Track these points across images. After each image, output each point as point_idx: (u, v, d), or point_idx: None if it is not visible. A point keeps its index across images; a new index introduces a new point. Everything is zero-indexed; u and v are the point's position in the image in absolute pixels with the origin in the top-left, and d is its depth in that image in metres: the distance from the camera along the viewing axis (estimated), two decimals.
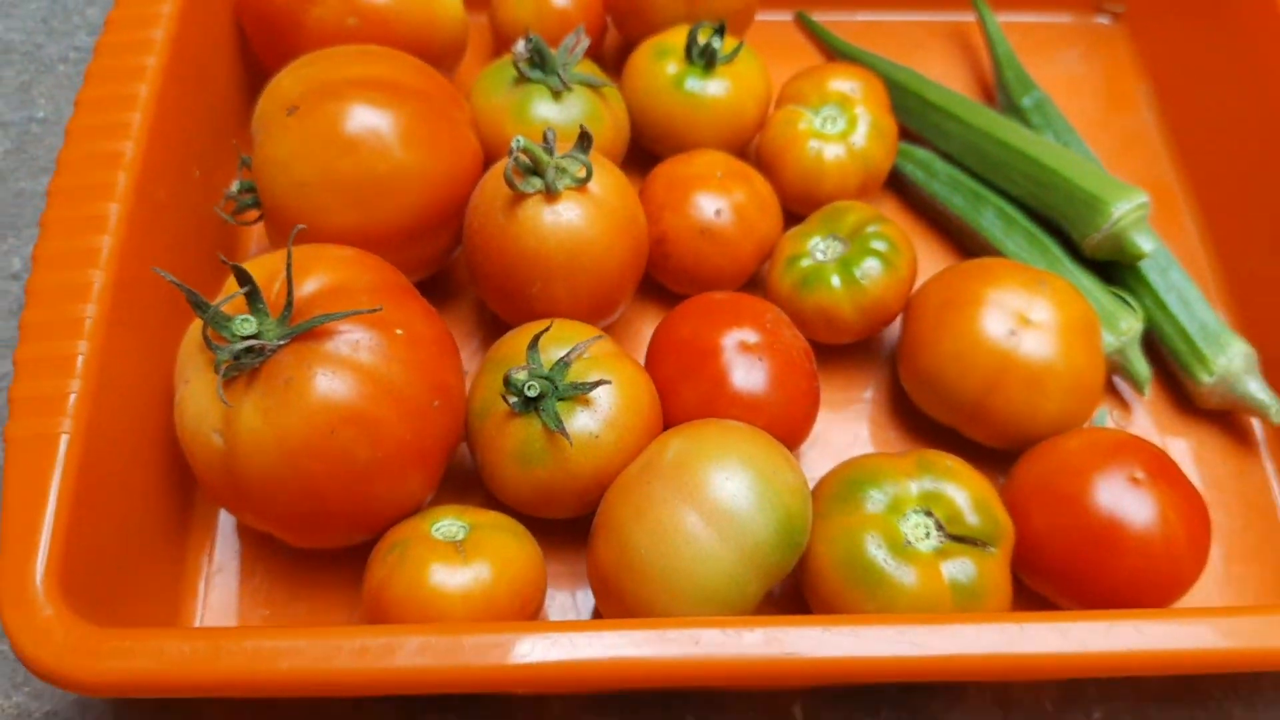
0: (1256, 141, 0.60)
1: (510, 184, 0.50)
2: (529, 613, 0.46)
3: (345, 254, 0.48)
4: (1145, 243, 0.56)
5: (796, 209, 0.61)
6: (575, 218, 0.51)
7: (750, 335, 0.51)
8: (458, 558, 0.45)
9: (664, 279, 0.59)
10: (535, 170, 0.51)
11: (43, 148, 0.67)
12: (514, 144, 0.50)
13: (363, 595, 0.46)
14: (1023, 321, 0.51)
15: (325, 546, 0.49)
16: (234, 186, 0.54)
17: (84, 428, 0.43)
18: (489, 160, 0.57)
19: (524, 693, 0.48)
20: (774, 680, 0.40)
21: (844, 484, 0.48)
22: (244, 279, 0.44)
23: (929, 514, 0.46)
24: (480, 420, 0.49)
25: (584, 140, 0.52)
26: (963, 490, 0.47)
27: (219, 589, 0.51)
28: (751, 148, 0.64)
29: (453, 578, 0.44)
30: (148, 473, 0.48)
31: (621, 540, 0.44)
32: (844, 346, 0.58)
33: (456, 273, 0.61)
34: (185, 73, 0.55)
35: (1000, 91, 0.67)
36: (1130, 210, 0.55)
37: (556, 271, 0.51)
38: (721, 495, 0.43)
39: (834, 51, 0.71)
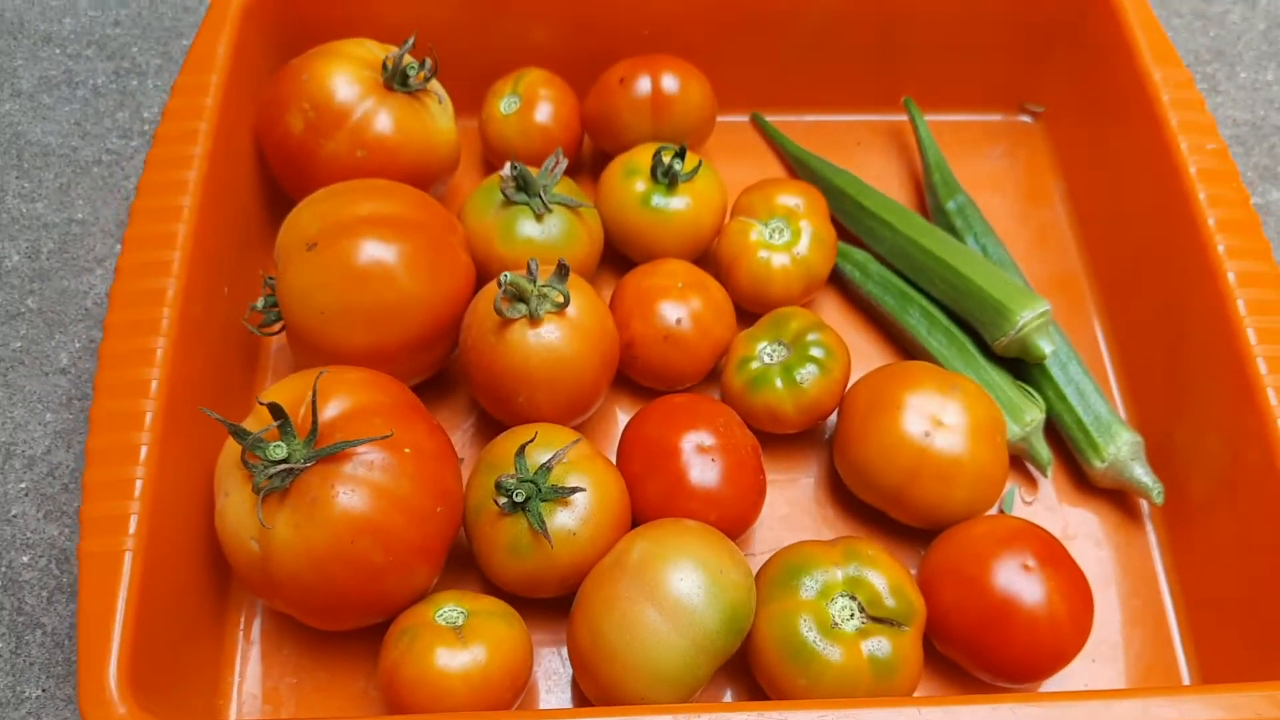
0: (1153, 238, 0.68)
1: (499, 312, 0.59)
2: (519, 686, 0.55)
3: (361, 377, 0.57)
4: (1046, 345, 0.65)
5: (749, 308, 0.69)
6: (556, 339, 0.59)
7: (706, 438, 0.60)
8: (458, 642, 0.54)
9: (632, 375, 0.67)
10: (521, 298, 0.59)
11: (83, 248, 0.75)
12: (502, 279, 0.58)
13: (378, 673, 0.55)
14: (936, 423, 0.60)
15: (344, 629, 0.58)
16: (259, 303, 0.63)
17: (144, 542, 0.51)
18: (481, 276, 0.65)
19: None
20: None
21: (783, 571, 0.57)
22: (277, 413, 0.52)
23: (853, 598, 0.55)
24: (476, 516, 0.58)
25: (562, 271, 0.60)
26: (882, 576, 0.56)
27: (253, 660, 0.60)
28: (710, 251, 0.72)
29: (454, 660, 0.53)
30: (194, 569, 0.57)
31: (594, 629, 0.53)
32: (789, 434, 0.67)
33: (453, 368, 0.70)
34: (216, 202, 0.63)
35: (929, 193, 0.76)
36: (1033, 318, 0.64)
37: (539, 384, 0.60)
38: (677, 593, 0.52)
39: (783, 151, 0.79)
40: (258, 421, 0.54)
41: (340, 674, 0.59)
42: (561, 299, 0.60)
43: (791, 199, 0.69)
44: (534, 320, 0.59)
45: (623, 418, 0.69)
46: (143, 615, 0.50)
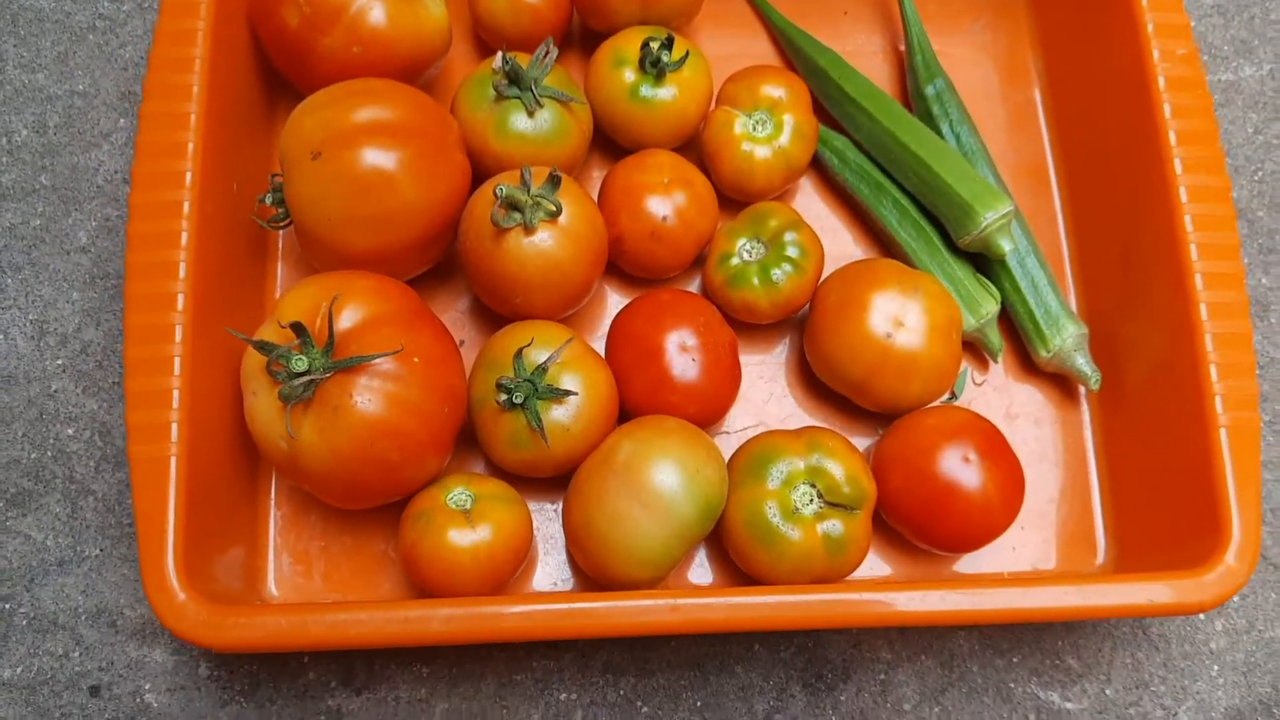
0: (1119, 136, 0.71)
1: (495, 222, 0.63)
2: (519, 558, 0.63)
3: (370, 284, 0.62)
4: (1006, 244, 0.70)
5: (732, 196, 0.73)
6: (549, 245, 0.64)
7: (688, 337, 0.66)
8: (467, 524, 0.61)
9: (621, 265, 0.72)
10: (515, 207, 0.63)
11: (87, 122, 0.77)
12: (497, 191, 0.62)
13: (399, 547, 0.63)
14: (898, 324, 0.65)
15: (365, 507, 0.66)
16: (268, 198, 0.66)
17: (185, 444, 0.58)
18: (475, 170, 0.68)
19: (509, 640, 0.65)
20: (695, 629, 0.58)
21: (752, 460, 0.64)
22: (298, 329, 0.57)
23: (813, 485, 0.63)
24: (479, 409, 0.65)
25: (554, 180, 0.64)
26: (840, 465, 0.63)
27: (284, 529, 0.68)
28: (695, 138, 0.75)
29: (464, 538, 0.61)
30: (227, 459, 0.64)
31: (586, 518, 0.61)
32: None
33: (453, 259, 0.74)
34: (220, 100, 0.65)
35: (910, 75, 0.78)
36: (996, 219, 0.69)
37: (534, 287, 0.65)
38: (659, 490, 0.59)
39: (770, 23, 0.80)
40: (277, 327, 0.60)
41: (362, 536, 0.68)
42: (554, 208, 0.64)
43: (775, 89, 0.72)
44: (529, 228, 0.63)
45: (612, 305, 0.74)
46: (190, 506, 0.58)
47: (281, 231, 0.74)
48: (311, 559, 0.67)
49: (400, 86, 0.66)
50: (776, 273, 0.68)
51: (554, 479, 0.67)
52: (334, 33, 0.67)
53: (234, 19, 0.68)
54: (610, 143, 0.75)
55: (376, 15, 0.67)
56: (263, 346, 0.57)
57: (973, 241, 0.70)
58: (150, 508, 0.56)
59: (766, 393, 0.73)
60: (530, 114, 0.68)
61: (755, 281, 0.68)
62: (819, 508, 0.63)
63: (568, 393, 0.62)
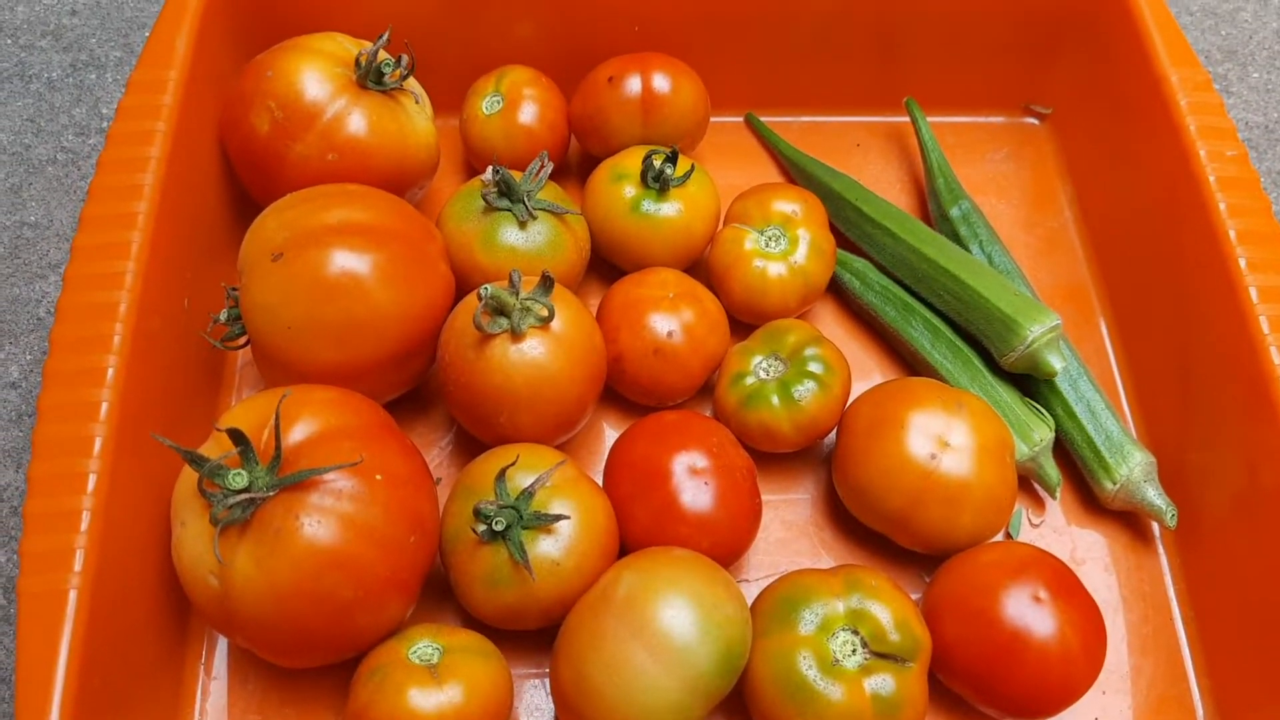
0: (1168, 247, 0.65)
1: (479, 327, 0.55)
2: None
3: (330, 397, 0.53)
4: (1056, 361, 0.61)
5: (743, 319, 0.66)
6: (539, 355, 0.56)
7: (699, 459, 0.57)
8: (432, 681, 0.50)
9: (621, 390, 0.64)
10: (502, 311, 0.56)
11: (35, 253, 0.71)
12: (482, 291, 0.55)
13: (347, 714, 0.51)
14: (942, 444, 0.56)
15: (311, 667, 0.54)
16: (223, 315, 0.59)
17: (91, 579, 0.47)
18: (460, 286, 0.61)
19: None
20: None
21: (780, 604, 0.53)
22: (238, 439, 0.48)
23: (855, 632, 0.52)
24: (453, 544, 0.55)
25: (546, 283, 0.57)
26: (885, 608, 0.52)
27: (215, 695, 0.56)
28: (702, 260, 0.69)
29: (428, 700, 0.49)
30: (148, 603, 0.53)
31: (579, 669, 0.50)
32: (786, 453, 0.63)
33: (430, 382, 0.66)
34: (175, 208, 0.59)
35: (931, 199, 0.72)
36: (1043, 332, 0.61)
37: (522, 402, 0.56)
38: (667, 630, 0.49)
39: (779, 154, 0.76)
40: (218, 447, 0.51)
41: (309, 711, 0.56)
42: (546, 312, 0.56)
43: (788, 205, 0.66)
44: (516, 335, 0.56)
45: (610, 435, 0.65)
46: (90, 656, 0.47)
47: (240, 354, 0.66)
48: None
49: (377, 191, 0.60)
50: (799, 390, 0.59)
51: (541, 636, 0.56)
52: (307, 139, 0.61)
53: (200, 128, 0.63)
54: (609, 269, 0.69)
55: (356, 121, 0.62)
56: (193, 459, 0.48)
57: (1018, 360, 0.62)
58: (36, 653, 0.45)
59: (790, 535, 0.62)
60: (522, 225, 0.62)
61: (775, 401, 0.60)
62: (864, 659, 0.51)
63: (559, 517, 0.53)
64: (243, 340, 0.59)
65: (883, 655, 0.51)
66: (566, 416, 0.59)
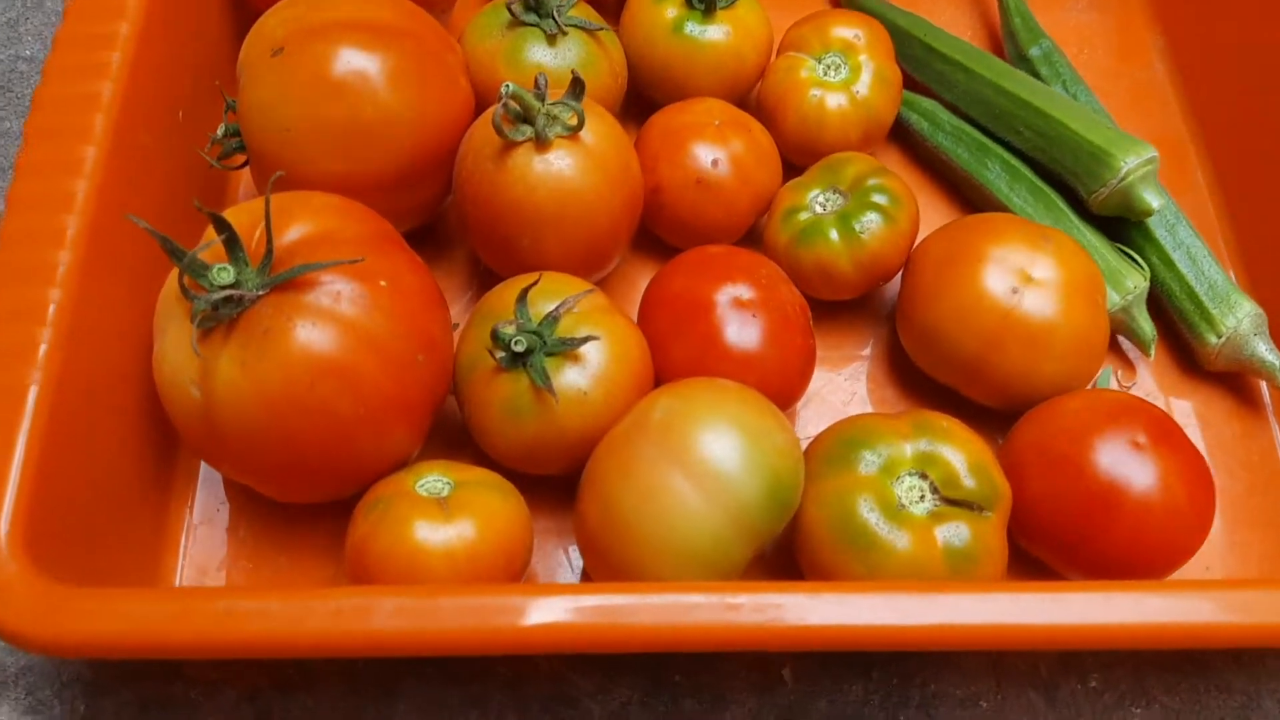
0: (1270, 96, 0.58)
1: (499, 131, 0.49)
2: (514, 571, 0.45)
3: (330, 202, 0.47)
4: (1153, 199, 0.54)
5: (796, 160, 0.59)
6: (566, 167, 0.49)
7: (744, 291, 0.50)
8: (441, 514, 0.44)
9: (659, 231, 0.57)
10: (526, 118, 0.49)
11: (29, 87, 0.65)
12: (503, 89, 0.48)
13: (345, 551, 0.45)
14: (1025, 279, 0.49)
15: (308, 501, 0.48)
16: (219, 130, 0.53)
17: (55, 379, 0.42)
18: (481, 107, 0.55)
19: (504, 654, 0.47)
20: (760, 645, 0.39)
21: (838, 444, 0.47)
22: (222, 226, 0.42)
23: (924, 476, 0.45)
24: (468, 374, 0.48)
25: (576, 87, 0.50)
26: (959, 452, 0.45)
27: (201, 543, 0.50)
28: (751, 97, 0.62)
29: (436, 534, 0.43)
30: (126, 424, 0.47)
31: (607, 500, 0.43)
32: (843, 302, 0.56)
33: (449, 223, 0.60)
34: (168, 10, 0.53)
35: (1008, 40, 0.65)
36: (1138, 165, 0.54)
37: (547, 222, 0.50)
38: (709, 456, 0.42)
39: None
40: (207, 253, 0.45)
41: (305, 557, 0.50)
42: (575, 120, 0.50)
43: (850, 30, 0.59)
44: (541, 144, 0.49)
45: (639, 281, 0.58)
46: (50, 466, 0.41)
47: (243, 182, 0.60)
48: (233, 566, 0.49)
49: None
50: (861, 223, 0.52)
51: (563, 487, 0.50)
52: None
53: None
54: (647, 104, 0.62)
55: None
56: (172, 249, 0.42)
57: (1109, 197, 0.55)
58: None
59: (847, 393, 0.56)
60: (551, 42, 0.56)
61: (834, 235, 0.53)
62: (934, 505, 0.45)
63: (587, 339, 0.46)
64: (242, 160, 0.53)
65: (955, 502, 0.45)
66: (597, 245, 0.52)
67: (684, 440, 0.43)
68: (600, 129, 0.51)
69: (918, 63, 0.63)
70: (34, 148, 0.47)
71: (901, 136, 0.63)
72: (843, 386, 0.56)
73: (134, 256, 0.48)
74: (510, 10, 0.55)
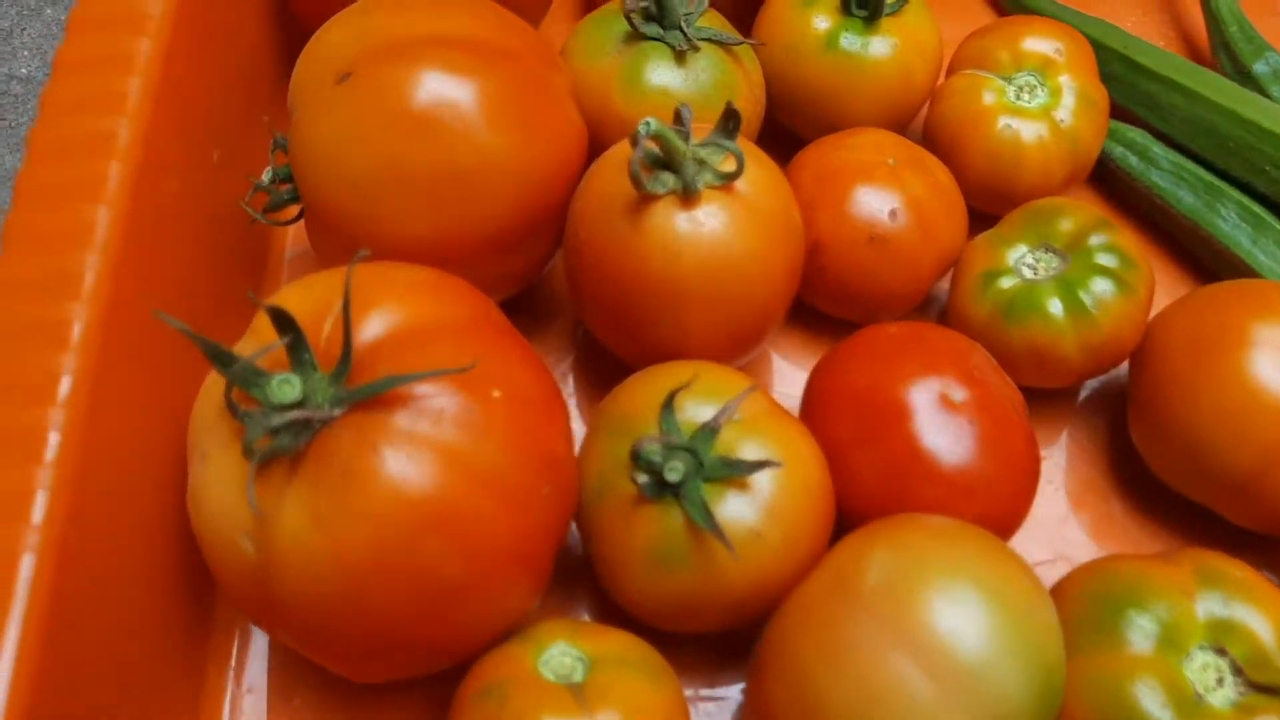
0: None
1: (637, 183, 0.37)
2: None
3: (420, 278, 0.36)
4: None
5: (981, 206, 0.48)
6: (719, 226, 0.38)
7: (952, 387, 0.38)
8: (577, 708, 0.32)
9: (815, 298, 0.46)
10: (668, 164, 0.38)
11: (26, 113, 0.54)
12: (642, 129, 0.37)
13: None
14: None
15: (392, 679, 0.37)
16: (265, 175, 0.41)
17: (58, 537, 0.30)
18: (594, 143, 0.43)
19: None
20: None
21: (1094, 603, 0.35)
22: (284, 325, 0.31)
23: (1221, 652, 0.34)
24: (596, 501, 0.37)
25: (730, 121, 0.38)
26: (1263, 616, 0.34)
27: (249, 715, 0.39)
28: (914, 125, 0.51)
29: None
30: (152, 575, 0.36)
31: (806, 692, 0.32)
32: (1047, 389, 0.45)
33: (546, 281, 0.49)
34: (201, 26, 0.42)
35: (1222, 54, 0.53)
36: None
37: (693, 298, 0.39)
38: (955, 641, 0.30)
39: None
40: (257, 344, 0.33)
41: None
42: (734, 165, 0.38)
43: (1048, 44, 0.47)
44: (689, 197, 0.38)
45: (784, 366, 0.47)
46: (56, 653, 0.30)
47: (290, 237, 0.49)
48: None
49: (490, 2, 0.43)
50: (1090, 293, 0.41)
51: (718, 644, 0.38)
52: None
53: None
54: (785, 136, 0.50)
55: None
56: (217, 355, 0.31)
57: None
58: None
59: (1059, 509, 0.44)
60: (679, 60, 0.44)
61: (1054, 309, 0.41)
62: (1239, 693, 0.33)
63: (763, 464, 0.35)
64: (295, 211, 0.42)
65: (1268, 689, 0.33)
66: (751, 323, 0.41)
67: (917, 616, 0.31)
68: (759, 175, 0.39)
69: (1118, 83, 0.51)
70: (28, 207, 0.35)
71: (1100, 175, 0.51)
72: (1054, 501, 0.44)
73: (160, 349, 0.36)
74: (628, 19, 0.44)
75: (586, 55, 0.45)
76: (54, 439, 0.31)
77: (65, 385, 0.32)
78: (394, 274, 0.36)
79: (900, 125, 0.49)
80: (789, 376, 0.46)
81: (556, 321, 0.48)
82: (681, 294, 0.38)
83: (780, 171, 0.41)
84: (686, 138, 0.38)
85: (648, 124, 0.37)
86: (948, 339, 0.41)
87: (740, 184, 0.39)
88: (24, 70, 0.55)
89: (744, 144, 0.40)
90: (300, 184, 0.40)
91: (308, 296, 0.34)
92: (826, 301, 0.46)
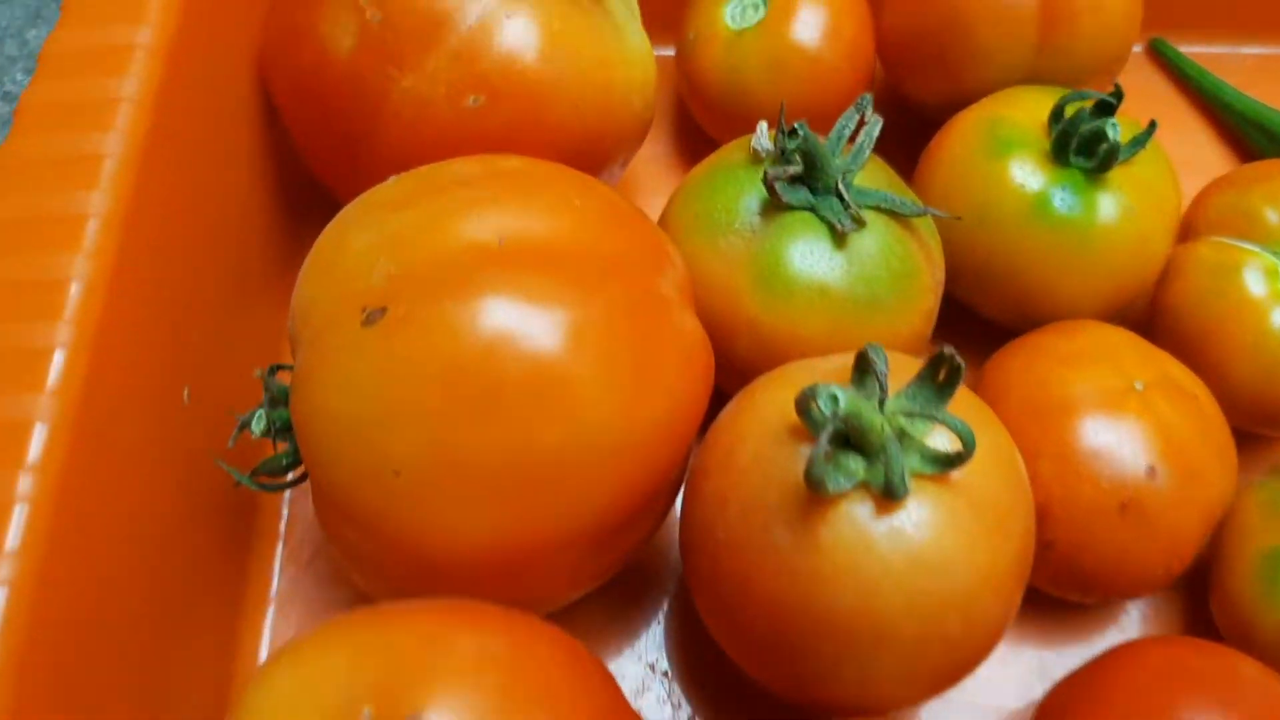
0: None
1: (816, 483, 0.24)
2: None
3: (495, 651, 0.23)
4: None
5: (1244, 423, 0.35)
6: (935, 537, 0.25)
7: None
8: None
9: (1035, 579, 0.33)
10: (858, 441, 0.25)
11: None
12: (821, 403, 0.24)
13: None
14: None
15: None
16: (255, 420, 0.29)
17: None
18: (719, 358, 0.31)
19: None
20: None
21: None
22: None
23: None
24: None
25: (949, 374, 0.26)
26: None
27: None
28: (1135, 306, 0.38)
29: None
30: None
31: None
32: None
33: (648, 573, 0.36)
34: (166, 209, 0.29)
35: None
36: None
37: (893, 641, 0.26)
38: None
39: (1215, 106, 0.44)
40: None
41: None
42: (961, 445, 0.25)
43: None
44: (889, 498, 0.25)
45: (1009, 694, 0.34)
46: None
47: (286, 496, 0.36)
48: None
49: (566, 173, 0.30)
50: None
51: None
52: (426, 66, 0.31)
53: (221, 55, 0.33)
54: (956, 312, 0.37)
55: (515, 33, 0.32)
56: None
57: None
58: None
59: None
60: (839, 242, 0.31)
61: None
62: None
63: None
64: (295, 474, 0.29)
65: None
66: (965, 659, 0.28)
67: None
68: (986, 444, 0.26)
69: None
70: None
71: None
72: None
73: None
74: (767, 183, 0.31)
75: (703, 231, 0.33)
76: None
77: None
78: (454, 643, 0.23)
79: (1122, 311, 0.36)
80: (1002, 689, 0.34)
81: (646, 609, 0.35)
82: (876, 637, 0.26)
83: (1007, 436, 0.28)
84: (882, 399, 0.25)
85: (819, 394, 0.24)
86: (1244, 668, 0.28)
87: (955, 473, 0.26)
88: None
89: (966, 399, 0.27)
90: (307, 454, 0.27)
91: (302, 691, 0.22)
92: (1051, 582, 0.33)
